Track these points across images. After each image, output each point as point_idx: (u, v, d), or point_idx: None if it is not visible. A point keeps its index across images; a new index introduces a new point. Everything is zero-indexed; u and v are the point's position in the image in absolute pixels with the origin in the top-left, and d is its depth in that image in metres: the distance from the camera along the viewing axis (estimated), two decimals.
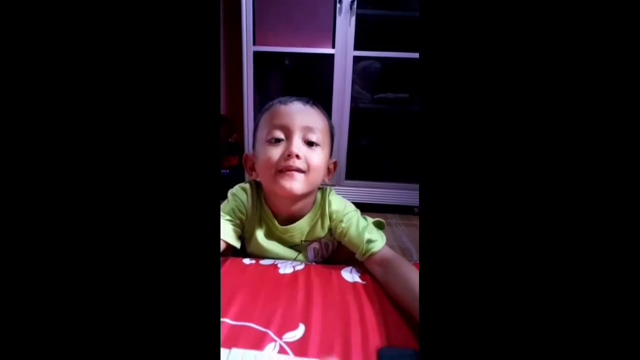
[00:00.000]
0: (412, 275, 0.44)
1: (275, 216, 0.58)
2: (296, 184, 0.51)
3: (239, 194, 0.59)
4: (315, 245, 0.61)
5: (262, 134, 0.55)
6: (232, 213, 0.58)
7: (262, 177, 0.55)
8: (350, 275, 0.51)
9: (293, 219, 0.58)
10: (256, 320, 0.38)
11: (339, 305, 0.42)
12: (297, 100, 0.55)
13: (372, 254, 0.52)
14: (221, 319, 0.37)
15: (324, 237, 0.60)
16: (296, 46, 1.54)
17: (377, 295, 0.45)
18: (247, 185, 0.60)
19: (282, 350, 0.34)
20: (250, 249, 0.61)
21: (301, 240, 0.59)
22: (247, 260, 0.55)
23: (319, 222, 0.58)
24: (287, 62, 1.64)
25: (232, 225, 0.57)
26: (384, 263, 0.49)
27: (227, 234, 0.56)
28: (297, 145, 0.51)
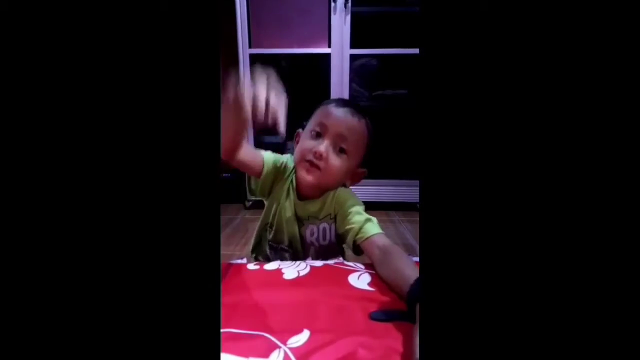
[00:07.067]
0: (407, 268, 0.46)
1: (298, 189, 0.67)
2: (309, 176, 0.61)
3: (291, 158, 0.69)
4: (315, 227, 0.67)
5: (310, 123, 0.64)
6: (283, 166, 0.67)
7: (295, 157, 0.65)
8: (357, 280, 0.50)
9: (309, 196, 0.67)
10: (261, 327, 0.38)
11: (344, 311, 0.42)
12: (347, 108, 0.63)
13: (370, 236, 0.57)
14: (227, 328, 0.37)
15: (324, 219, 0.66)
16: (292, 47, 1.53)
17: (385, 302, 0.44)
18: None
19: (286, 358, 0.34)
20: (268, 204, 0.70)
21: (308, 216, 0.67)
22: (251, 266, 0.55)
23: (326, 205, 0.66)
24: (283, 63, 1.64)
25: (274, 170, 0.66)
26: (383, 250, 0.53)
27: (269, 161, 0.65)
28: (326, 147, 0.59)
